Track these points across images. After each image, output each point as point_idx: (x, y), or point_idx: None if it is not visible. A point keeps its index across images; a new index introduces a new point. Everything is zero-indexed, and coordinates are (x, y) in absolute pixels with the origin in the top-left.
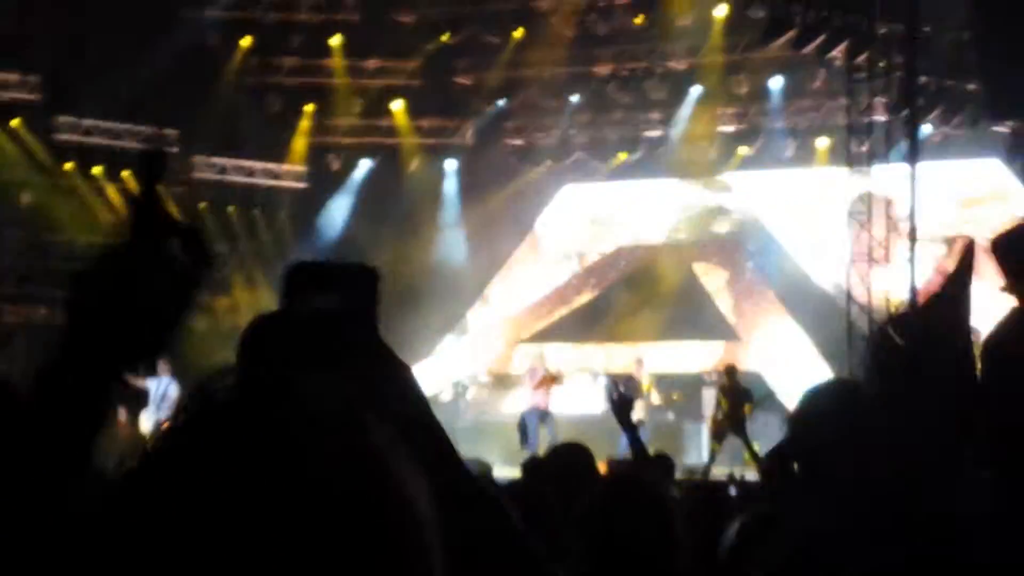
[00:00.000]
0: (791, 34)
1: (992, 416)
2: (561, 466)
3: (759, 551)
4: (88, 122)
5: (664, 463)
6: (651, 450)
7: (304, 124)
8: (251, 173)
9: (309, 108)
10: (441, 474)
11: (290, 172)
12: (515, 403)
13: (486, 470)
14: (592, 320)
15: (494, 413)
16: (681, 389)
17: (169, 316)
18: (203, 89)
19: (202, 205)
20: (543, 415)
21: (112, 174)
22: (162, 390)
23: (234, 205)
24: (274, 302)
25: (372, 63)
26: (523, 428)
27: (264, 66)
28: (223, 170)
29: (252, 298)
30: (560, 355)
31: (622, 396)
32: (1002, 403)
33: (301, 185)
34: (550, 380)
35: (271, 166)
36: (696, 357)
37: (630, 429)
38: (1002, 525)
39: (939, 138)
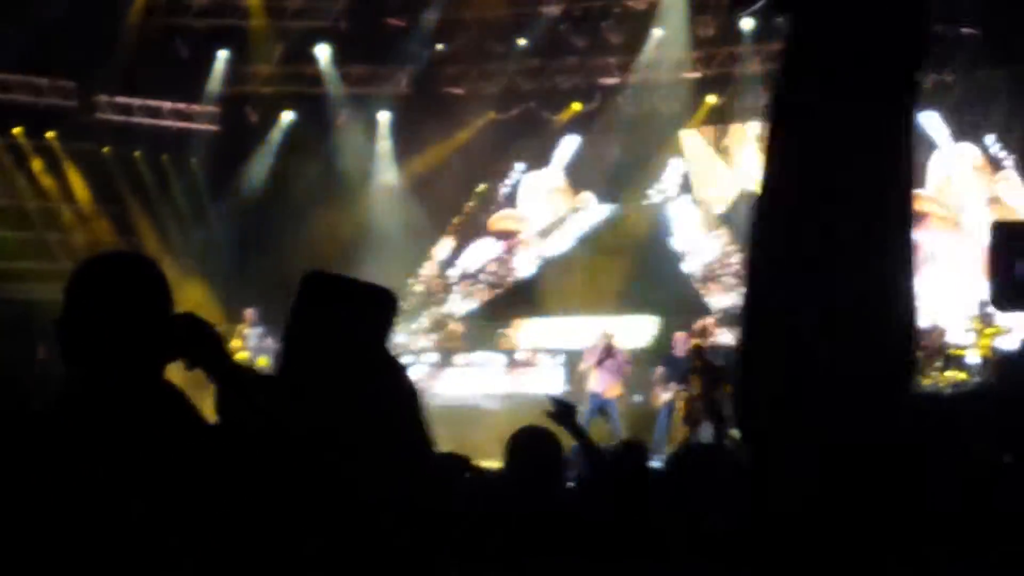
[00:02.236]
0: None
1: None
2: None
3: None
4: None
5: (636, 451)
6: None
7: (217, 71)
8: (158, 114)
9: (222, 54)
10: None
11: (202, 113)
12: (462, 383)
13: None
14: (547, 291)
15: (441, 395)
16: (646, 368)
17: None
18: (103, 34)
19: (105, 149)
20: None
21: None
22: None
23: (140, 150)
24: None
25: (294, 2)
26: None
27: (171, 7)
28: (127, 110)
29: (161, 250)
30: (515, 330)
31: (561, 404)
32: None
33: (214, 128)
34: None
35: (181, 106)
36: (663, 332)
37: (579, 436)
38: None
39: (931, 85)
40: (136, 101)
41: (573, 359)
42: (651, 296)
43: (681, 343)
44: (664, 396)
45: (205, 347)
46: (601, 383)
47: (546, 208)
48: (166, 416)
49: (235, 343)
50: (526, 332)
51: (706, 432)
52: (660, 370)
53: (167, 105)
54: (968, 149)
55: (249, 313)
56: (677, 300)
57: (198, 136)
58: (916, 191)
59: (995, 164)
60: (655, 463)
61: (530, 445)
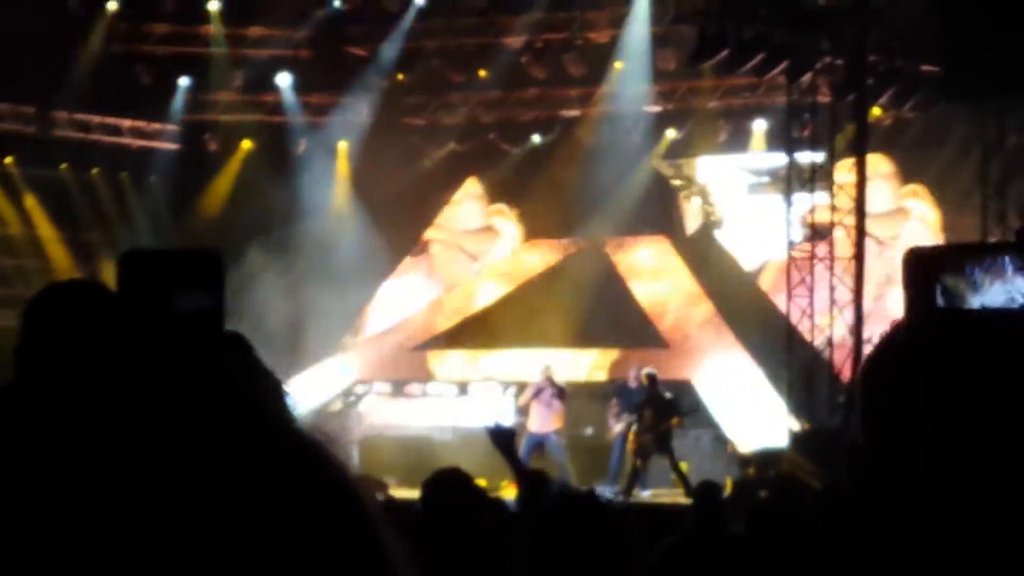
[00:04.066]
0: (723, 55)
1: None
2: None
3: None
4: None
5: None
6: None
7: (178, 100)
8: (118, 132)
9: (183, 82)
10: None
11: (163, 132)
12: (414, 415)
13: (382, 489)
14: (500, 323)
15: (392, 426)
16: (599, 400)
17: None
18: (64, 59)
19: (63, 166)
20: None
21: None
22: None
23: (99, 167)
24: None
25: (255, 31)
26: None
27: (133, 33)
28: (86, 127)
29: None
30: (465, 362)
31: (500, 430)
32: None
33: (174, 146)
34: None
35: (141, 124)
36: (617, 365)
37: (513, 462)
38: None
39: (890, 122)
40: (95, 118)
41: (521, 392)
42: (607, 329)
43: (633, 375)
44: (616, 428)
45: None
46: (538, 419)
47: (506, 238)
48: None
49: None
50: (480, 364)
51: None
52: (614, 402)
53: (127, 123)
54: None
55: None
56: (633, 332)
57: (158, 155)
58: None
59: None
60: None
61: (444, 487)
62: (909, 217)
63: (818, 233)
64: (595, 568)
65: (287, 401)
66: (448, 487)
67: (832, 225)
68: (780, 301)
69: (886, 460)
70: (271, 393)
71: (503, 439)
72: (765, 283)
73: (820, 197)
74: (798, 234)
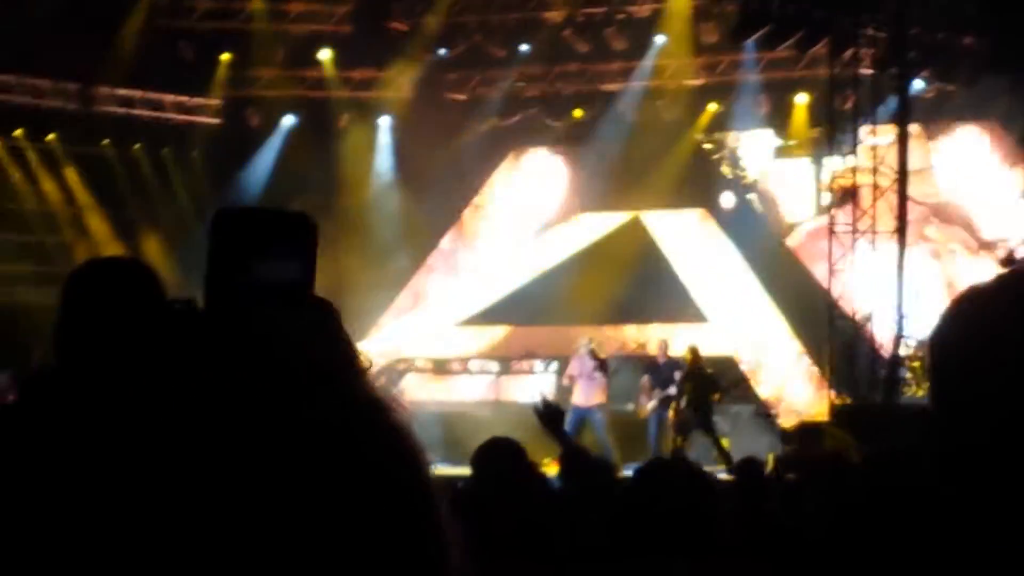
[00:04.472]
0: (765, 30)
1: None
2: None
3: None
4: None
5: (603, 468)
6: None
7: (220, 75)
8: (160, 106)
9: (225, 57)
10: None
11: (205, 107)
12: (455, 391)
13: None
14: (541, 299)
15: (433, 402)
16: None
17: None
18: (107, 36)
19: (104, 142)
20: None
21: (2, 131)
22: None
23: (141, 143)
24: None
25: (296, 6)
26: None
27: (175, 9)
28: (129, 102)
29: (162, 251)
30: (507, 338)
31: (549, 407)
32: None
33: (216, 121)
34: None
35: (183, 99)
36: (658, 339)
37: (563, 441)
38: None
39: (932, 95)
40: (138, 93)
41: (564, 367)
42: (649, 303)
43: (663, 350)
44: (649, 405)
45: None
46: (582, 393)
47: (545, 215)
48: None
49: None
50: (521, 340)
51: (697, 440)
52: (645, 378)
53: (169, 98)
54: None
55: None
56: (675, 307)
57: (200, 130)
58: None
59: None
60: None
61: (494, 457)
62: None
63: (847, 195)
64: (688, 535)
65: (362, 368)
66: (502, 456)
67: (876, 190)
68: (811, 266)
69: (960, 430)
70: (345, 360)
71: (551, 417)
72: (804, 241)
73: (851, 160)
74: (827, 198)
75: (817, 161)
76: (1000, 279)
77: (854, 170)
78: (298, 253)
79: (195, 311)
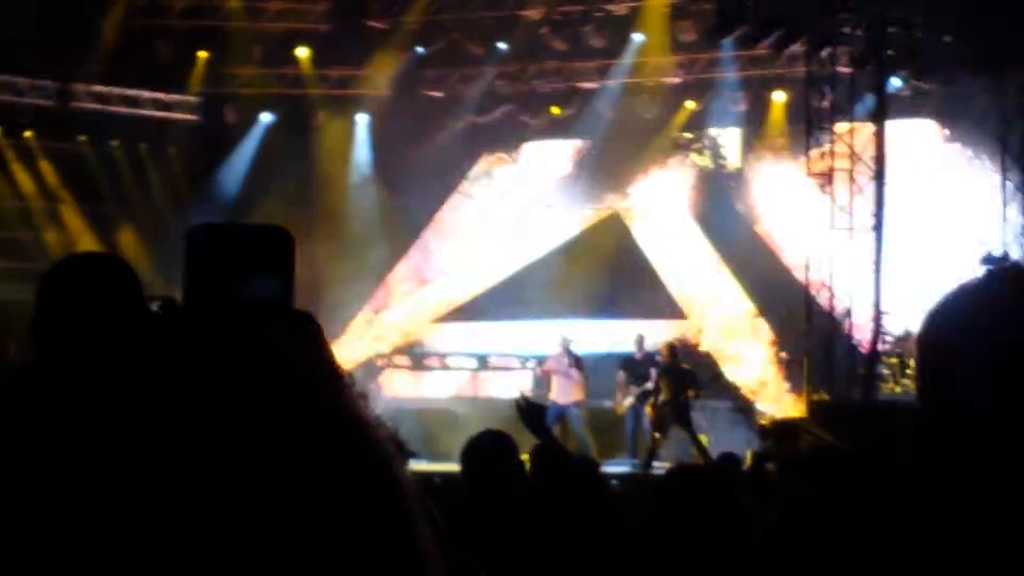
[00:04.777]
0: (742, 30)
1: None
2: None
3: None
4: None
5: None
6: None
7: (197, 73)
8: (137, 103)
9: (203, 55)
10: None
11: (182, 103)
12: (432, 387)
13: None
14: (520, 295)
15: (410, 398)
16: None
17: None
18: (83, 33)
19: (81, 138)
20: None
21: None
22: None
23: (118, 140)
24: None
25: (274, 5)
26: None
27: (152, 7)
28: (106, 99)
29: (138, 247)
30: (482, 335)
31: (531, 404)
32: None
33: (193, 117)
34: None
35: (160, 96)
36: (636, 335)
37: (544, 437)
38: None
39: (909, 93)
40: (115, 90)
41: (541, 363)
42: (627, 299)
43: (640, 345)
44: (626, 401)
45: None
46: (559, 390)
47: (523, 211)
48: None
49: None
50: (500, 335)
51: (675, 436)
52: (621, 374)
53: (145, 94)
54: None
55: None
56: (652, 303)
57: (177, 126)
58: None
59: None
60: (625, 467)
61: (487, 449)
62: None
63: (825, 187)
64: (719, 541)
65: (346, 383)
66: (495, 448)
67: (853, 184)
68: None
69: (950, 427)
70: (328, 374)
71: (533, 414)
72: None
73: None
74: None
75: (795, 156)
76: (985, 278)
77: (832, 154)
78: (276, 270)
79: (175, 311)
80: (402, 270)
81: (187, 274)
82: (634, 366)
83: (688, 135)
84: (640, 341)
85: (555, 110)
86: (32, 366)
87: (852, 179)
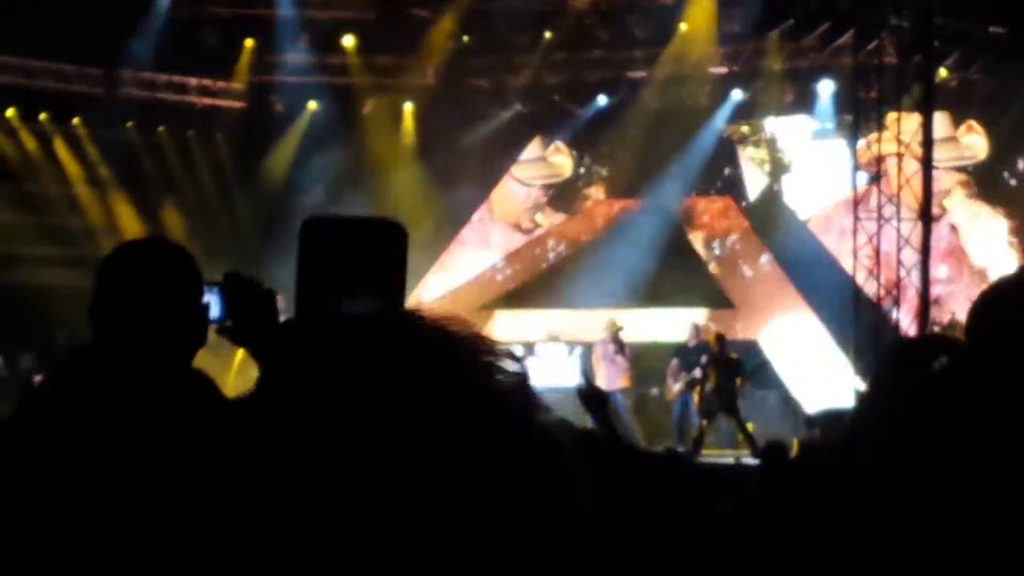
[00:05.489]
0: (788, 22)
1: None
2: None
3: None
4: None
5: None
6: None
7: (244, 60)
8: (184, 90)
9: (249, 43)
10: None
11: (228, 91)
12: None
13: None
14: (567, 283)
15: None
16: (665, 360)
17: None
18: (131, 21)
19: (129, 124)
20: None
21: (27, 116)
22: None
23: (165, 126)
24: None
25: None
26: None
27: None
28: (153, 86)
29: (185, 234)
30: (529, 322)
31: (592, 390)
32: None
33: (240, 104)
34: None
35: (207, 83)
36: (683, 324)
37: (604, 424)
38: None
39: (956, 84)
40: (162, 77)
41: (587, 351)
42: (674, 289)
43: (692, 335)
44: (676, 388)
45: (256, 310)
46: (604, 377)
47: (568, 199)
48: (193, 403)
49: None
50: (545, 323)
51: (723, 424)
52: (674, 362)
53: (193, 81)
54: None
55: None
56: (700, 293)
57: (225, 113)
58: None
59: None
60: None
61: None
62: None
63: (877, 176)
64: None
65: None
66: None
67: (900, 174)
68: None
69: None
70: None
71: (596, 399)
72: (829, 225)
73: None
74: (862, 180)
75: (848, 145)
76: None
77: (879, 141)
78: (386, 286)
79: (248, 284)
80: (448, 258)
81: (301, 266)
82: (687, 354)
83: (745, 129)
84: (695, 330)
85: (601, 99)
86: (89, 351)
87: (900, 168)
